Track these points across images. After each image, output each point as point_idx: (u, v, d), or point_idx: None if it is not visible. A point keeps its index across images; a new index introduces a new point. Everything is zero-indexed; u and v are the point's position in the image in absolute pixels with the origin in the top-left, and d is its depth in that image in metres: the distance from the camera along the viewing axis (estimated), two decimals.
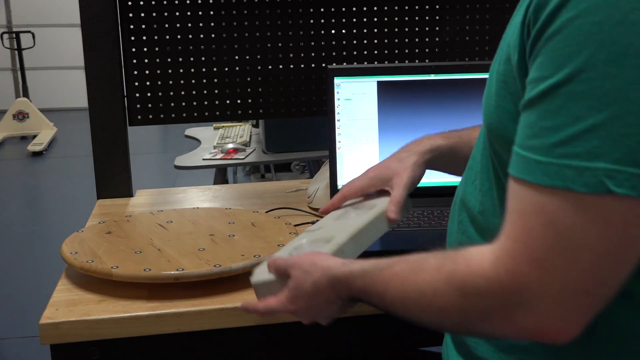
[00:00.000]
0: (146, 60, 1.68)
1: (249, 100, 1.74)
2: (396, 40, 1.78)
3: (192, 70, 1.70)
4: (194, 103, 1.72)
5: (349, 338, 1.19)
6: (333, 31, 1.75)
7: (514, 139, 0.73)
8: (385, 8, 1.75)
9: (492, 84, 0.80)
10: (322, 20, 1.74)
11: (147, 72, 1.68)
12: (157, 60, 1.68)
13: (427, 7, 1.77)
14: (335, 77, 1.45)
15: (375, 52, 1.77)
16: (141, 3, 1.66)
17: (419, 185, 1.12)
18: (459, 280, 0.73)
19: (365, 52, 1.77)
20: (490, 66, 0.84)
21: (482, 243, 0.86)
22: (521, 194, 0.69)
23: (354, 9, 1.74)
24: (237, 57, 1.72)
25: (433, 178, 1.46)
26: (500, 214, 0.83)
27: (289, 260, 0.94)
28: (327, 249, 0.98)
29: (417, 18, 1.77)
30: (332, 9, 1.73)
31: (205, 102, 1.72)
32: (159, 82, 1.69)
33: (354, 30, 1.75)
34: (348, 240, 1.00)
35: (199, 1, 1.67)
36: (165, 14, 1.67)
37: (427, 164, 1.12)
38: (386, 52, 1.78)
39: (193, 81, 1.71)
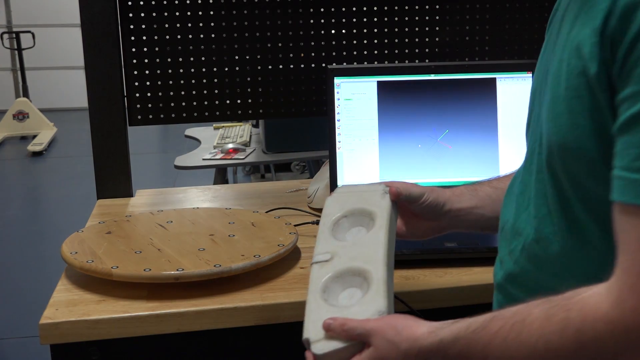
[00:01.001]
0: (146, 60, 1.68)
1: (249, 100, 1.74)
2: (396, 40, 1.77)
3: (192, 70, 1.70)
4: (194, 103, 1.72)
5: None
6: (333, 31, 1.75)
7: (594, 156, 0.68)
8: (385, 8, 1.75)
9: (558, 102, 0.75)
10: (322, 20, 1.74)
11: (147, 72, 1.68)
12: (157, 60, 1.68)
13: (427, 7, 1.76)
14: (335, 77, 1.45)
15: (375, 52, 1.77)
16: (141, 3, 1.65)
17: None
18: (575, 329, 0.67)
19: (365, 52, 1.77)
20: (543, 85, 0.79)
21: (535, 274, 0.82)
22: (636, 221, 0.63)
23: (354, 9, 1.74)
24: (237, 57, 1.71)
25: (433, 178, 1.46)
26: (565, 240, 0.79)
27: (366, 325, 0.85)
28: (377, 296, 0.89)
29: (417, 18, 1.77)
30: (332, 9, 1.73)
31: (205, 102, 1.72)
32: (159, 82, 1.69)
33: (354, 30, 1.75)
34: (386, 272, 0.92)
35: (199, 1, 1.67)
36: (165, 14, 1.67)
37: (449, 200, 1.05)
38: (386, 52, 1.78)
39: (193, 81, 1.71)
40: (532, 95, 0.89)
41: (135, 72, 1.67)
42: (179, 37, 1.68)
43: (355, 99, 1.46)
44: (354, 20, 1.75)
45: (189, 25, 1.68)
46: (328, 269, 0.95)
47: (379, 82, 1.46)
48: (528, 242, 0.84)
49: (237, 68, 1.72)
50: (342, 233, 1.01)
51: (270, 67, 1.73)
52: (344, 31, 1.75)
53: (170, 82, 1.70)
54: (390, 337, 0.83)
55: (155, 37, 1.67)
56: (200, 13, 1.68)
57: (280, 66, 1.74)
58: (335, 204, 1.04)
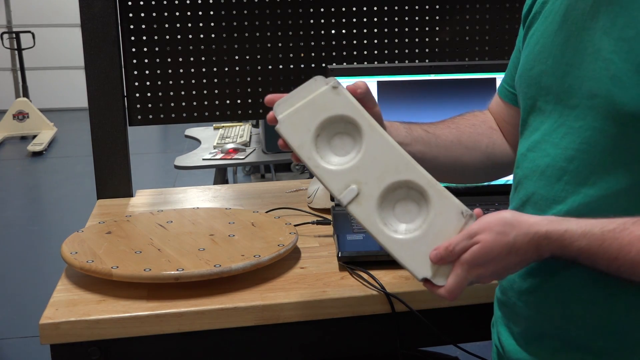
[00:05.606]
0: (146, 60, 1.68)
1: (249, 100, 1.74)
2: (396, 40, 1.78)
3: (192, 70, 1.70)
4: (194, 103, 1.72)
5: (349, 338, 1.19)
6: (333, 31, 1.75)
7: None
8: (385, 8, 1.75)
9: (629, 75, 0.79)
10: (322, 20, 1.74)
11: (147, 72, 1.68)
12: (157, 60, 1.68)
13: (427, 7, 1.77)
14: (335, 77, 1.45)
15: (375, 52, 1.77)
16: (141, 3, 1.66)
17: None
18: None
19: (365, 52, 1.77)
20: (602, 57, 0.82)
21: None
22: None
23: (354, 9, 1.74)
24: (237, 57, 1.72)
25: None
26: (620, 199, 0.81)
27: (469, 231, 0.84)
28: (443, 200, 0.87)
29: (417, 18, 1.77)
30: (332, 9, 1.73)
31: (205, 102, 1.72)
32: (159, 82, 1.69)
33: (354, 30, 1.75)
34: (424, 169, 0.90)
35: (199, 1, 1.68)
36: (165, 14, 1.67)
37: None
38: (386, 52, 1.78)
39: (193, 81, 1.71)
40: (538, 89, 0.92)
41: (135, 72, 1.68)
42: (179, 37, 1.68)
43: None
44: (354, 20, 1.75)
45: (189, 25, 1.68)
46: (368, 203, 0.89)
47: (379, 82, 1.46)
48: (574, 208, 0.84)
49: (237, 68, 1.72)
50: (331, 154, 0.93)
51: (270, 67, 1.73)
52: (344, 31, 1.75)
53: (170, 82, 1.70)
54: (498, 229, 0.82)
55: (155, 37, 1.67)
56: (200, 13, 1.68)
57: (280, 66, 1.74)
58: (295, 131, 0.94)
